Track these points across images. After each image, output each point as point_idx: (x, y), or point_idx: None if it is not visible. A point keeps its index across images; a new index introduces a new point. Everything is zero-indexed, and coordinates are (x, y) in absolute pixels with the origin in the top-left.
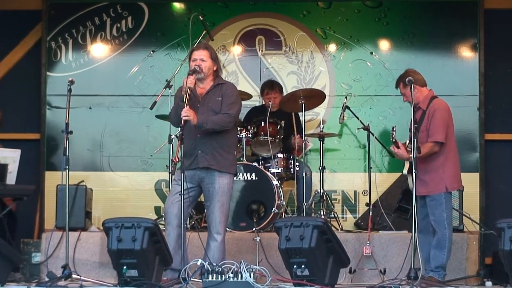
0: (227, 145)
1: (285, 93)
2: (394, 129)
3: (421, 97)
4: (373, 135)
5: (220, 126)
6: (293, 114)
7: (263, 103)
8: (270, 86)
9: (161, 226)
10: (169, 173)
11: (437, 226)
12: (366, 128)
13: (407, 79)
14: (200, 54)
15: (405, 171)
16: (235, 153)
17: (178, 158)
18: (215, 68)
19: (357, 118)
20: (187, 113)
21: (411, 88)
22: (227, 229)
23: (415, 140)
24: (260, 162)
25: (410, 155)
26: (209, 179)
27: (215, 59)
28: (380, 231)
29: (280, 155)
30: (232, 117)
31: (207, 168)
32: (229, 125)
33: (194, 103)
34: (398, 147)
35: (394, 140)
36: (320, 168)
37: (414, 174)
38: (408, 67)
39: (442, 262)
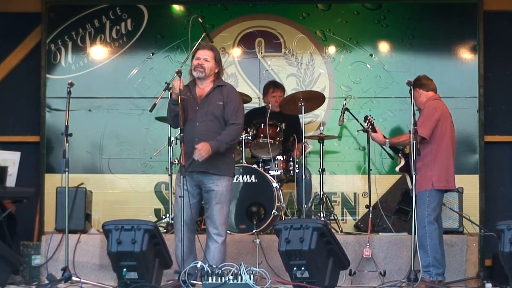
0: (226, 148)
1: (285, 95)
2: (369, 118)
3: (423, 101)
4: None
5: (233, 140)
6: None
7: (263, 104)
8: (275, 85)
9: (160, 229)
10: (168, 175)
11: (417, 225)
12: (366, 130)
13: (406, 81)
14: (205, 54)
15: (396, 169)
16: (233, 155)
17: (182, 160)
18: (217, 70)
19: (357, 120)
20: (201, 153)
21: (410, 89)
22: (227, 231)
23: (415, 142)
24: (260, 164)
25: (386, 139)
26: (207, 181)
27: (218, 61)
28: (380, 233)
29: (279, 157)
30: (241, 126)
31: (204, 172)
32: (240, 134)
33: (192, 105)
34: (375, 131)
35: (369, 126)
36: (320, 170)
37: (414, 176)
38: (408, 69)
39: (428, 261)
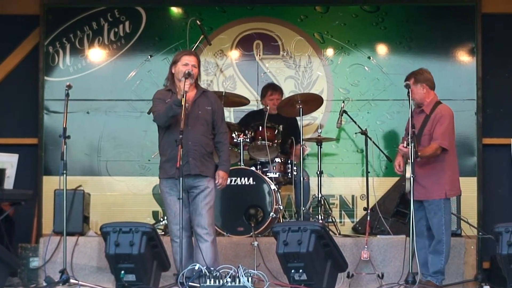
0: (211, 151)
1: (283, 98)
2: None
3: (427, 100)
4: (370, 139)
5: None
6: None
7: (261, 107)
8: (274, 88)
9: (158, 231)
10: None
11: (436, 232)
12: (364, 133)
13: (404, 84)
14: (192, 60)
15: (408, 175)
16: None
17: (179, 162)
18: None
19: (355, 122)
20: (224, 182)
21: (408, 92)
22: (225, 233)
23: (412, 144)
24: (258, 167)
25: (418, 153)
26: (198, 184)
27: (199, 67)
28: (378, 236)
29: (277, 159)
30: (228, 131)
31: (198, 174)
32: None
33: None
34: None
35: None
36: (318, 172)
37: (411, 179)
38: (406, 72)
39: (440, 267)
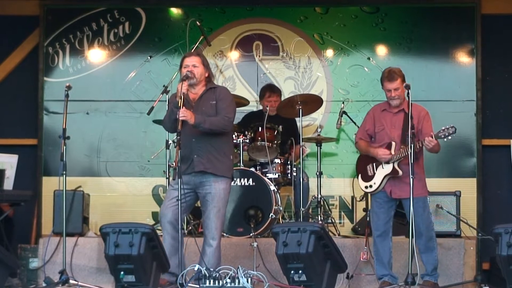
0: (223, 149)
1: (282, 99)
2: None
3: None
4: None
5: (218, 128)
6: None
7: (261, 108)
8: (272, 89)
9: (158, 232)
10: (166, 178)
11: (425, 228)
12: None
13: (404, 85)
14: (192, 61)
15: (379, 178)
16: (231, 157)
17: (176, 163)
18: (207, 75)
19: (355, 123)
20: (184, 113)
21: (408, 93)
22: (224, 234)
23: (412, 145)
24: (257, 168)
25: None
26: (205, 184)
27: (206, 65)
28: None
29: (277, 160)
30: (231, 121)
31: (203, 172)
32: (227, 128)
33: (187, 108)
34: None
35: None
36: (318, 173)
37: (411, 180)
38: (406, 73)
39: (435, 263)
